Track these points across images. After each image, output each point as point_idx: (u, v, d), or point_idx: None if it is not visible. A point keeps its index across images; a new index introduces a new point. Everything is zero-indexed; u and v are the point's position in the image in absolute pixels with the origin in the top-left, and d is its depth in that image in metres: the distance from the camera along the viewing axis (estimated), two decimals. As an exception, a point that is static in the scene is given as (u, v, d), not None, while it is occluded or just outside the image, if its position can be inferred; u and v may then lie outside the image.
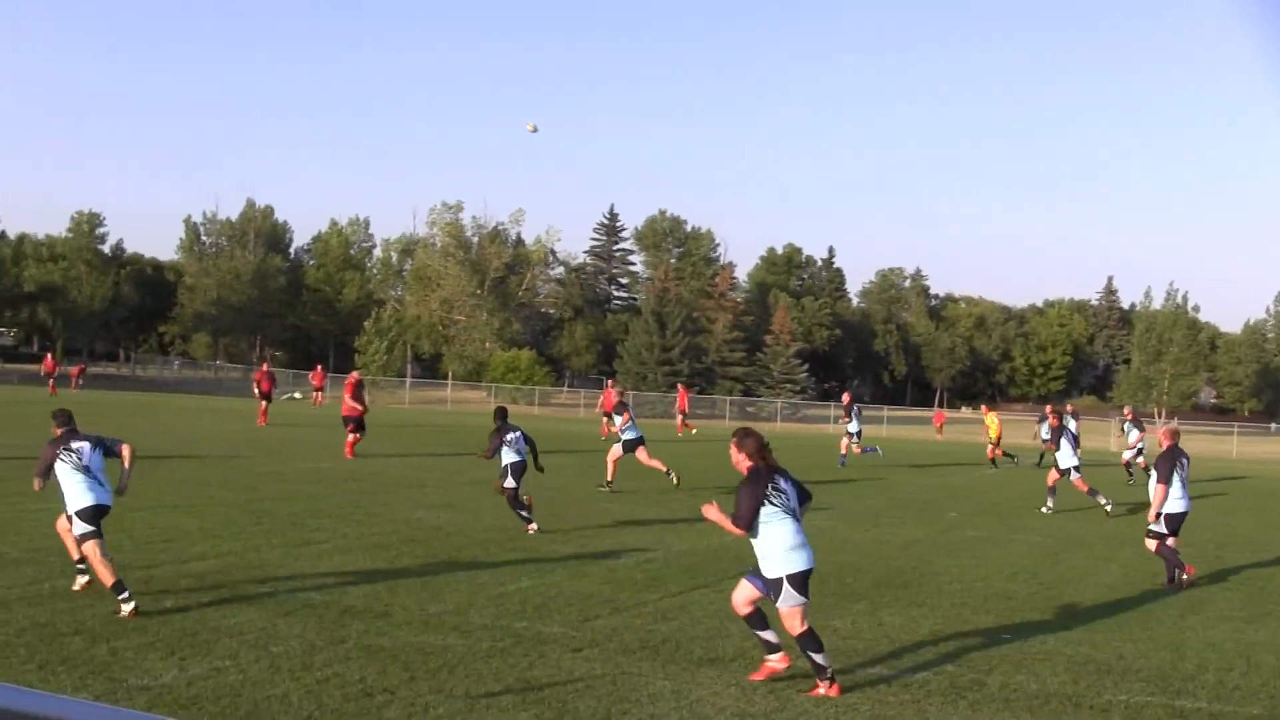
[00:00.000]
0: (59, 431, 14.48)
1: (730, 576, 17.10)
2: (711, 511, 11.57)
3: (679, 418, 63.90)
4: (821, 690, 10.99)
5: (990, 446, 46.11)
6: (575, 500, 26.39)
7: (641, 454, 30.05)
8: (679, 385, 75.00)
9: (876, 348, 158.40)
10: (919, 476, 39.26)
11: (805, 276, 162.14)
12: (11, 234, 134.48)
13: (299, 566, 16.28)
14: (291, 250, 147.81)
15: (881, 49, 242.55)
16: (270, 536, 18.84)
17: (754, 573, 11.53)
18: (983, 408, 49.27)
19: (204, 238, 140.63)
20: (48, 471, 14.19)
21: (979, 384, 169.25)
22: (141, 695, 9.84)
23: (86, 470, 14.02)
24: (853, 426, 42.16)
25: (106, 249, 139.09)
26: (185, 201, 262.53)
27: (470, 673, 11.06)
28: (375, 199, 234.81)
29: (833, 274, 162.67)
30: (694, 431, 60.05)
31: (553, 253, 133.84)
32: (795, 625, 11.15)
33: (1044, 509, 28.96)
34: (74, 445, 14.19)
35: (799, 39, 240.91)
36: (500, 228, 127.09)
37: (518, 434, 22.23)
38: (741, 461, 11.65)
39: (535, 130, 30.88)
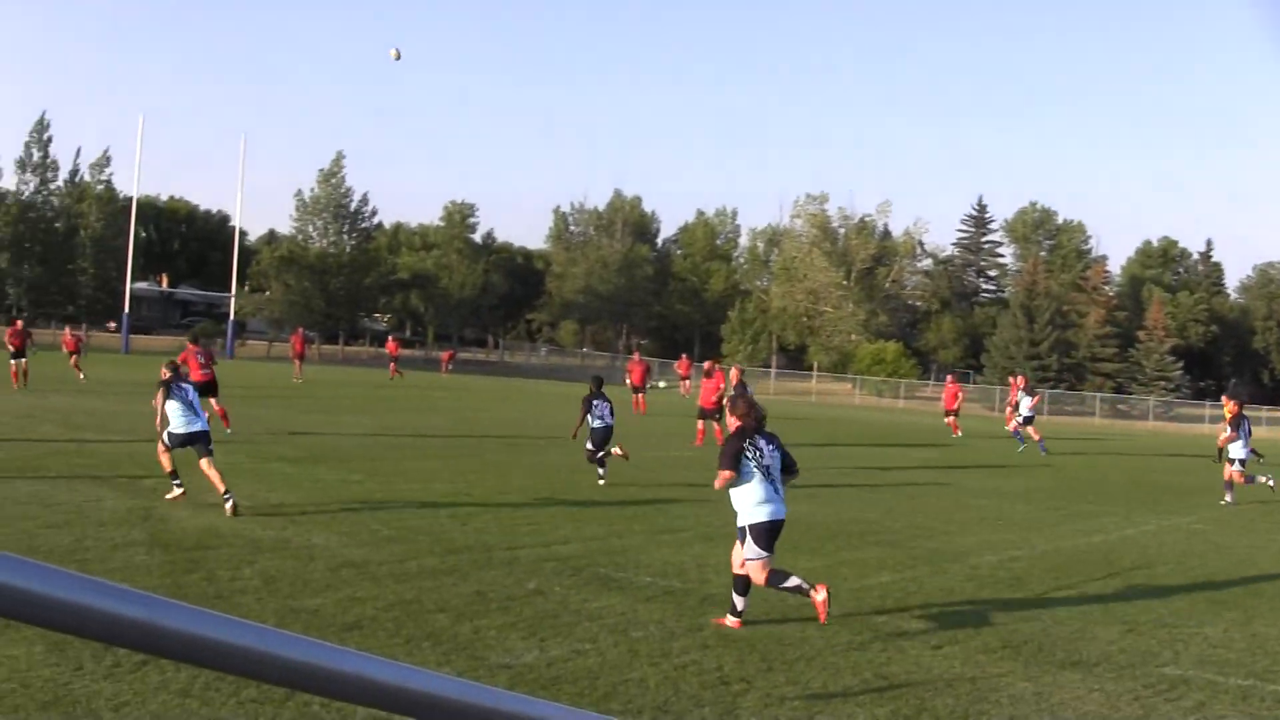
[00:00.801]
0: (167, 375, 18.71)
1: (1097, 579, 16.69)
2: (716, 482, 12.87)
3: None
4: (727, 621, 12.42)
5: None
6: (940, 496, 26.08)
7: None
8: (1010, 378, 73.22)
9: (1255, 345, 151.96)
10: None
11: (1181, 271, 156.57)
12: (387, 224, 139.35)
13: (660, 553, 16.44)
14: (659, 240, 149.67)
15: (1262, 40, 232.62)
16: (632, 522, 19.08)
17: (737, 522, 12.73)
18: (1224, 398, 46.24)
19: (572, 227, 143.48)
20: (164, 406, 18.41)
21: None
22: (502, 674, 10.07)
23: (190, 405, 18.41)
24: (1025, 411, 43.31)
25: (477, 238, 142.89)
26: (554, 192, 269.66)
27: (827, 665, 11.01)
28: (742, 189, 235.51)
29: (1210, 268, 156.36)
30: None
31: (920, 244, 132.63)
32: (758, 576, 12.41)
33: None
34: (183, 386, 18.66)
35: (1174, 31, 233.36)
36: (867, 219, 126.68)
37: (607, 404, 24.89)
38: (733, 423, 13.02)
39: (399, 57, 29.66)
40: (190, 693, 8.92)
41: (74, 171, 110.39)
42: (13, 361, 42.15)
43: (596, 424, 24.61)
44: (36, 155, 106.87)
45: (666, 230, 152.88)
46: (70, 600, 1.43)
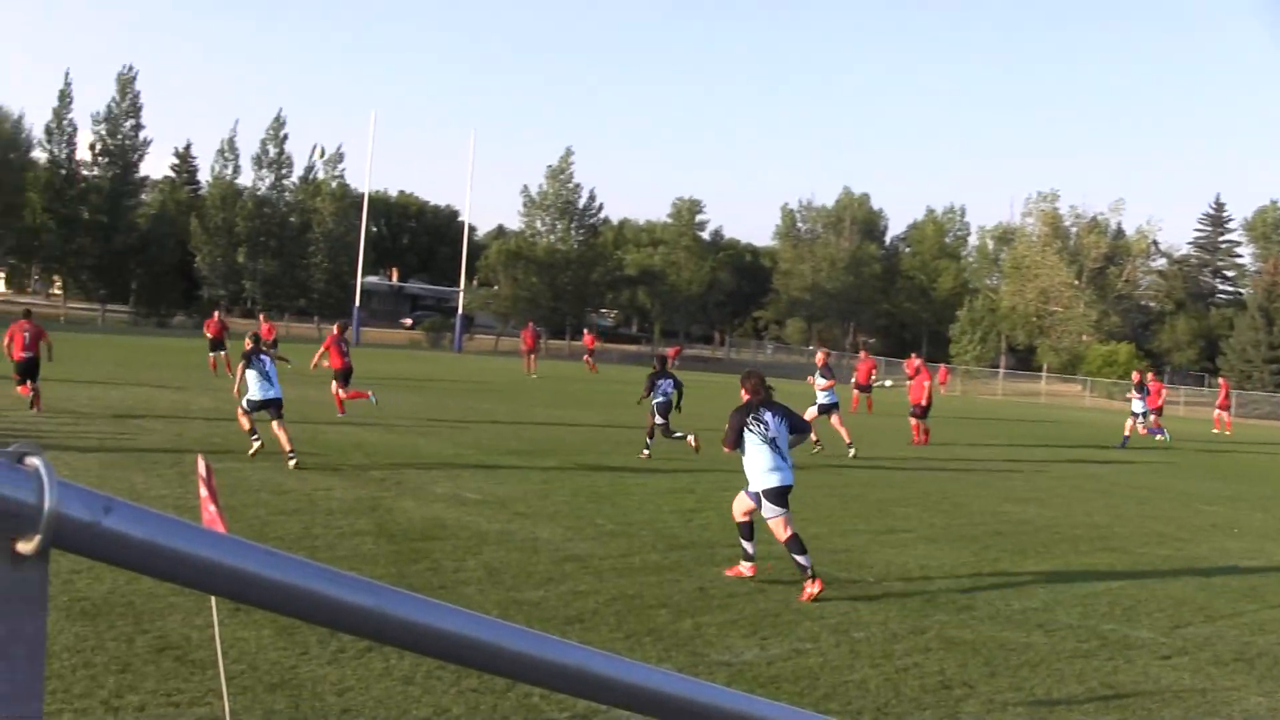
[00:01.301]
0: (250, 346, 22.46)
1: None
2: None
3: (1217, 413, 60.24)
4: (809, 588, 13.27)
5: None
6: (1171, 502, 25.53)
7: (834, 420, 31.56)
8: (1221, 378, 70.90)
9: None
10: None
11: None
12: (614, 219, 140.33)
13: (884, 554, 16.35)
14: (887, 238, 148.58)
15: None
16: (857, 522, 19.01)
17: (748, 488, 14.24)
18: None
19: (800, 224, 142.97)
20: (244, 374, 22.13)
21: None
22: (722, 671, 10.10)
23: (266, 375, 21.89)
24: (1138, 406, 41.80)
25: (705, 235, 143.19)
26: (783, 188, 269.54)
27: (1052, 672, 10.85)
28: (972, 187, 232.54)
29: None
30: (1228, 432, 56.69)
31: (1154, 244, 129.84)
32: (780, 532, 13.79)
33: None
34: (261, 358, 22.10)
35: None
36: (1100, 217, 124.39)
37: (669, 380, 27.31)
38: (743, 396, 14.60)
39: (323, 155, 30.70)
40: (413, 680, 9.10)
41: (309, 168, 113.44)
42: (211, 354, 43.50)
43: (660, 399, 26.94)
44: (273, 151, 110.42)
45: (894, 228, 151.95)
46: (299, 586, 1.47)
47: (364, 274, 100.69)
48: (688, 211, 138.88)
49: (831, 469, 26.24)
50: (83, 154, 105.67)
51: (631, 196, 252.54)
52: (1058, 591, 14.59)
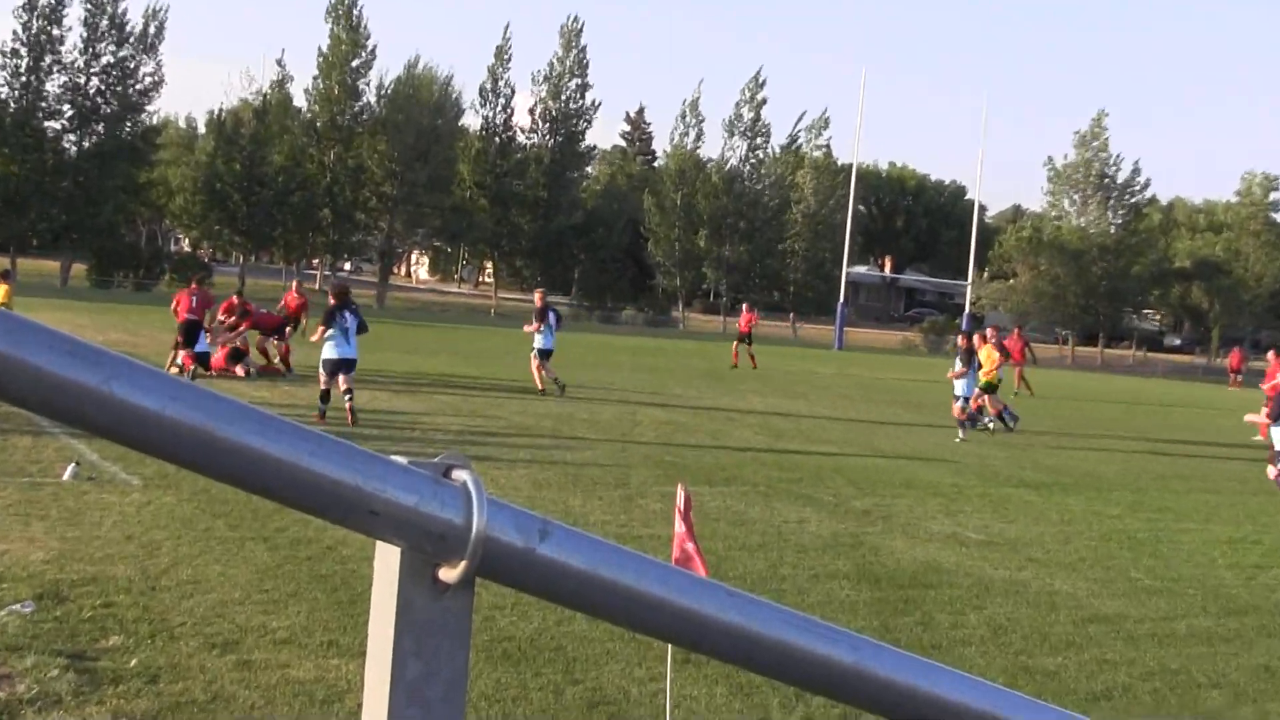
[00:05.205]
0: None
1: None
2: (317, 335, 26.70)
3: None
4: (314, 416, 24.91)
5: None
6: None
7: (542, 363, 35.19)
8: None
9: None
10: None
11: None
12: (1163, 199, 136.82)
13: None
14: None
15: None
16: None
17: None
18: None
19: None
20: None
21: None
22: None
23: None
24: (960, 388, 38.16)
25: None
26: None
27: None
28: None
29: None
30: None
31: None
32: (321, 383, 25.69)
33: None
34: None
35: None
36: None
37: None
38: (331, 301, 26.10)
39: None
40: (894, 755, 9.09)
41: (792, 139, 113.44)
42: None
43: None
44: (748, 117, 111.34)
45: None
46: (764, 635, 1.50)
47: (850, 263, 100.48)
48: (1260, 189, 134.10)
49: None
50: (521, 119, 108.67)
51: (1187, 171, 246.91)
52: None
